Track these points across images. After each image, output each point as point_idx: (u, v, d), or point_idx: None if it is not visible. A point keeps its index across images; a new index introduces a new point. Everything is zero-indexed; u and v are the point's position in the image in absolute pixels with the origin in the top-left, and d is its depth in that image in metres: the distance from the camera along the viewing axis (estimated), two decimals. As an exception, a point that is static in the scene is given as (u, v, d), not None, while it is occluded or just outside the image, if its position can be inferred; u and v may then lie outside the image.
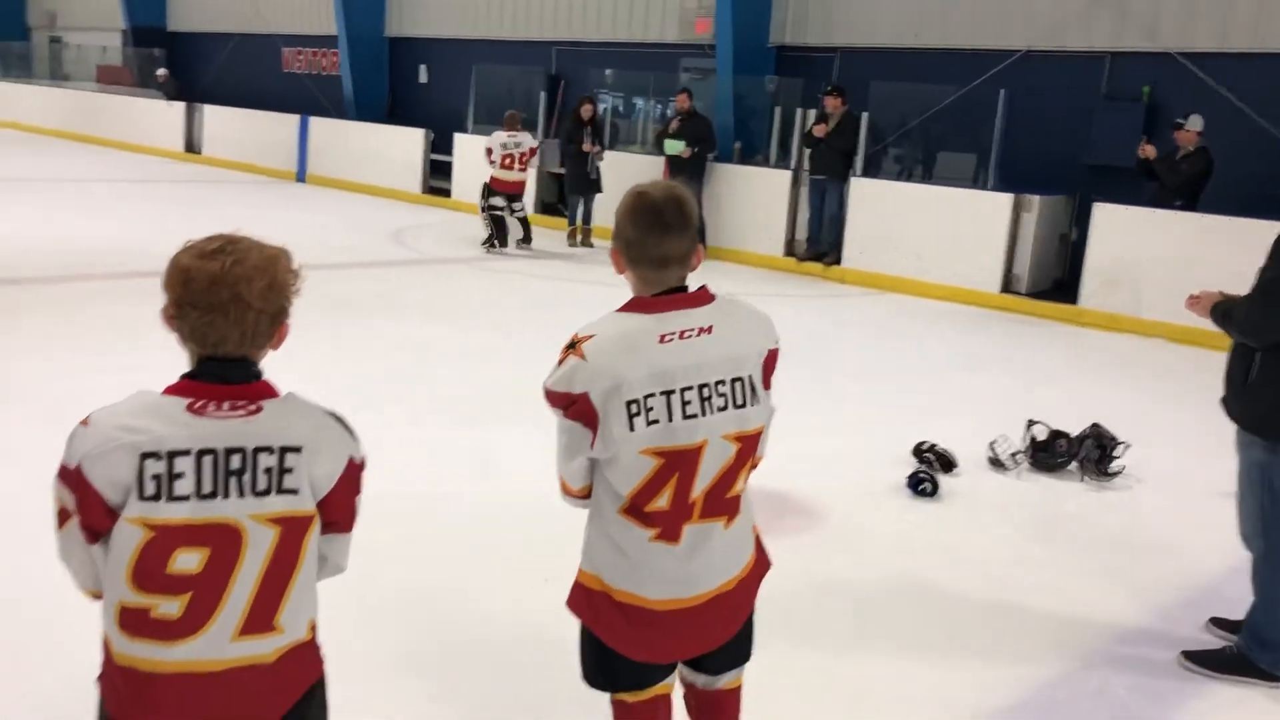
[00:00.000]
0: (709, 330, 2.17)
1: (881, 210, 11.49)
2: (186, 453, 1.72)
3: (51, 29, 28.92)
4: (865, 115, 11.72)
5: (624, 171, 13.37)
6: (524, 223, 12.49)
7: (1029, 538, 4.90)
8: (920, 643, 3.82)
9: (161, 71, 22.34)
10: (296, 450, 1.79)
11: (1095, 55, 11.26)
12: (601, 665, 2.33)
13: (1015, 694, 3.50)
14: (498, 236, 12.22)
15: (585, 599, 2.29)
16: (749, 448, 2.23)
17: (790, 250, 12.27)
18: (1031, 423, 5.86)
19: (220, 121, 20.12)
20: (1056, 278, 11.13)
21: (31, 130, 23.88)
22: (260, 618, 1.80)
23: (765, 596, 2.44)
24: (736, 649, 2.41)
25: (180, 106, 20.81)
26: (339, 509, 1.90)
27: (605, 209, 13.13)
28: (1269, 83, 10.17)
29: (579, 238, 13.12)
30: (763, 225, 12.35)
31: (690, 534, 2.19)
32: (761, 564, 2.39)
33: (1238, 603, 3.93)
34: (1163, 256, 9.51)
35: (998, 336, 9.49)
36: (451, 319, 8.53)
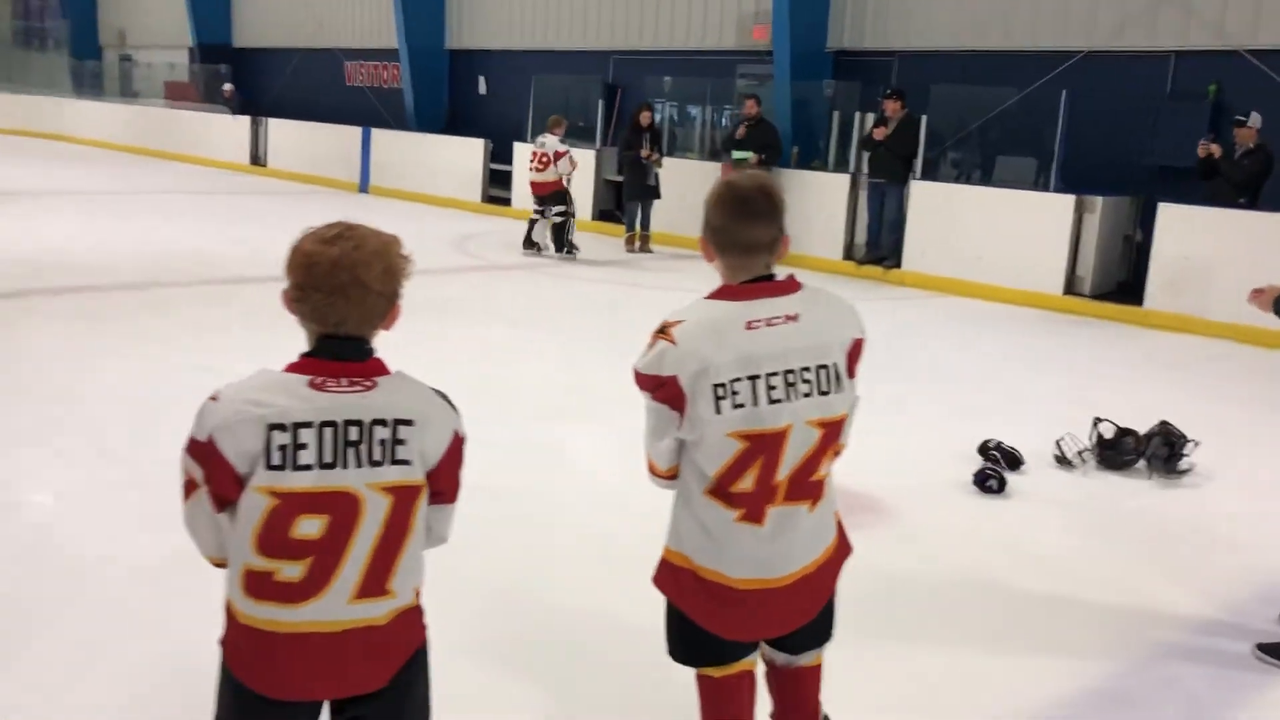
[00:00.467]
0: (795, 318, 2.24)
1: (942, 213, 11.47)
2: (310, 425, 1.83)
3: (122, 47, 29.73)
4: (924, 118, 11.71)
5: (681, 177, 13.49)
6: (557, 230, 12.34)
7: (1098, 534, 4.90)
8: (992, 635, 3.85)
9: (227, 87, 22.87)
10: (409, 423, 1.91)
11: (1160, 54, 11.15)
12: (687, 641, 2.40)
13: (1088, 684, 3.51)
14: (528, 239, 12.44)
15: (672, 577, 2.36)
16: (832, 434, 2.29)
17: (849, 254, 12.28)
18: (1098, 420, 5.84)
19: (284, 135, 20.58)
20: (1121, 279, 11.03)
21: (103, 145, 24.60)
22: (374, 582, 1.92)
23: (836, 588, 2.50)
24: (817, 629, 2.46)
25: (245, 120, 21.31)
26: (445, 479, 2.01)
27: (663, 215, 13.25)
28: (1339, 79, 10.02)
29: (637, 244, 13.24)
30: (822, 229, 12.38)
31: (774, 516, 2.25)
32: (843, 549, 2.45)
33: (1313, 596, 3.91)
34: (1231, 257, 9.39)
35: (1061, 338, 9.44)
36: (514, 322, 8.68)
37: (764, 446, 2.21)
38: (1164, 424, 5.75)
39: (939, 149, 12.31)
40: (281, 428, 1.82)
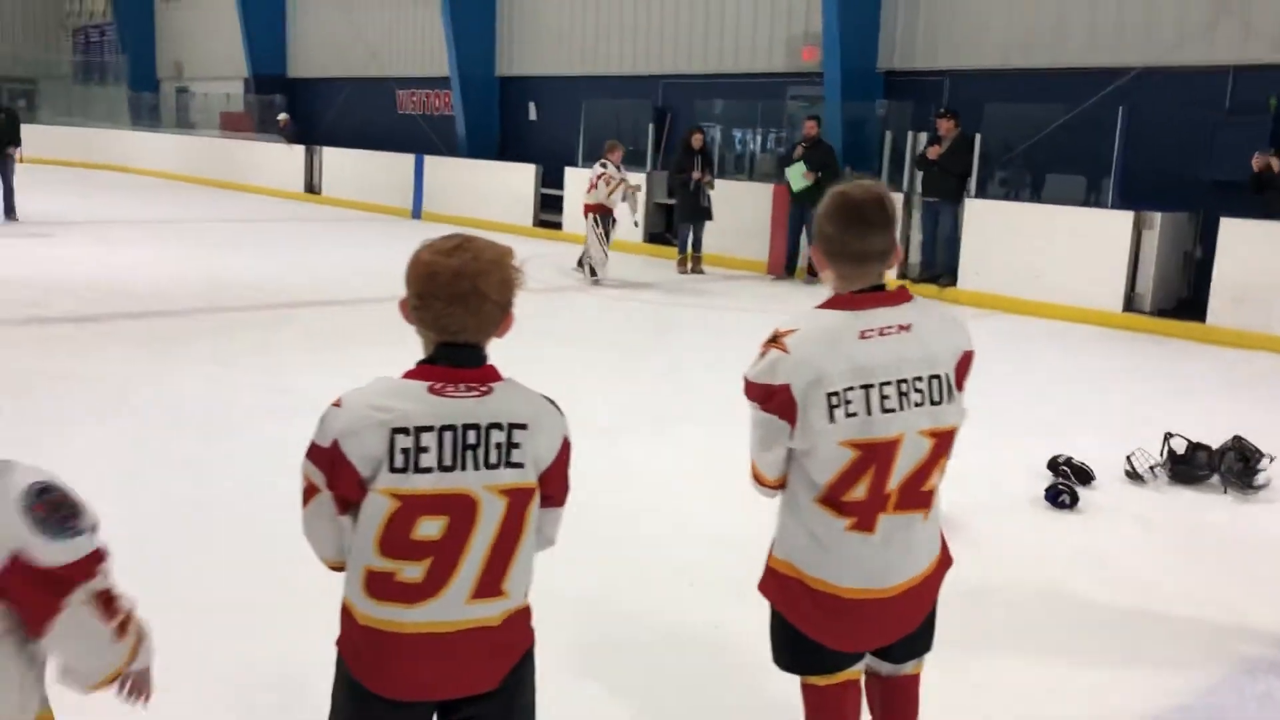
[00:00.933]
0: (908, 328, 2.25)
1: (997, 230, 11.41)
2: (430, 429, 1.89)
3: (179, 79, 30.41)
4: (978, 136, 11.68)
5: (732, 200, 13.54)
6: (583, 255, 12.24)
7: (1174, 548, 4.84)
8: (1073, 649, 3.81)
9: (282, 116, 23.30)
10: (523, 427, 1.95)
11: (1218, 69, 11.03)
12: (792, 649, 2.41)
13: (1178, 699, 3.47)
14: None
15: (779, 585, 2.37)
16: (943, 444, 2.29)
17: (903, 273, 12.25)
18: (1169, 435, 5.77)
19: (338, 163, 20.92)
20: (1181, 296, 10.88)
21: (161, 175, 25.13)
22: (490, 583, 1.96)
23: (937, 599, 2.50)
24: (920, 638, 2.47)
25: (300, 149, 21.69)
26: (555, 483, 2.05)
27: (715, 236, 13.30)
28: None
29: (689, 265, 13.28)
30: (875, 249, 12.31)
31: (885, 525, 2.26)
32: (946, 560, 2.45)
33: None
34: (1296, 271, 9.26)
35: (1122, 354, 9.34)
36: (569, 342, 8.74)
37: (876, 455, 2.22)
38: (1238, 438, 5.67)
39: (992, 167, 12.25)
40: (404, 431, 1.87)
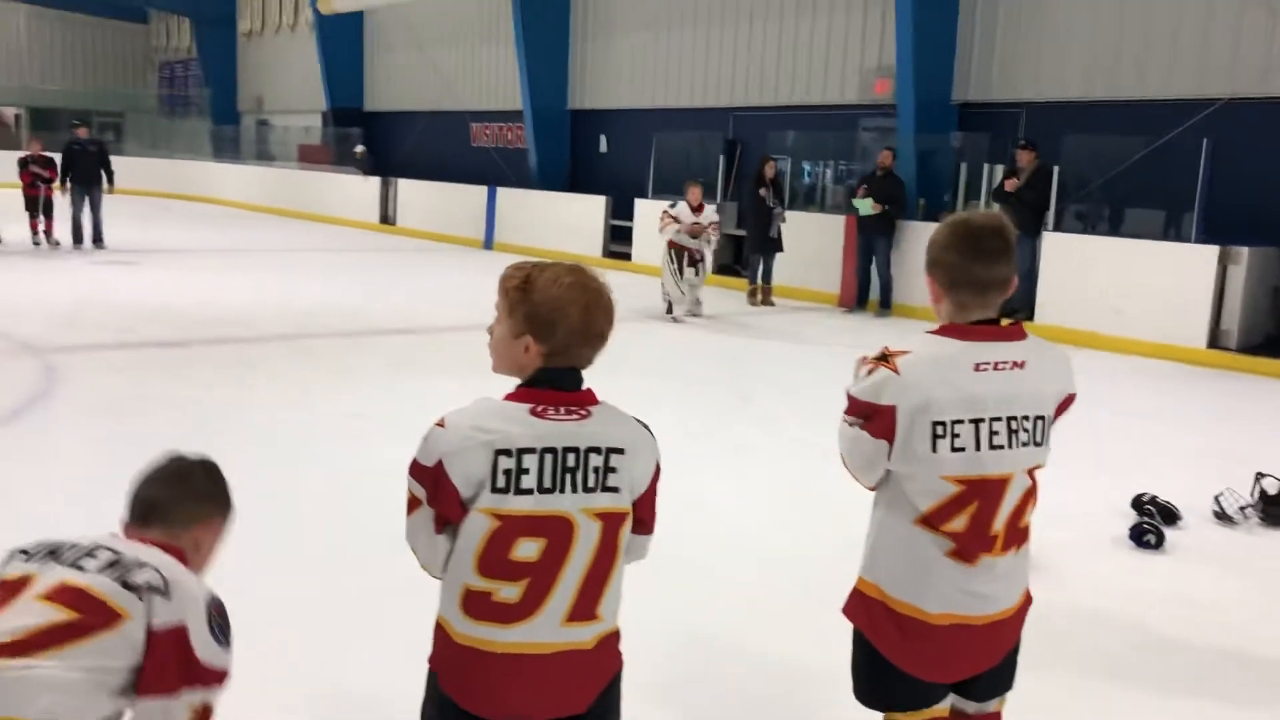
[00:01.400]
0: (1021, 365, 2.21)
1: (1076, 265, 11.22)
2: (532, 450, 1.91)
3: (259, 112, 31.27)
4: (1056, 169, 11.53)
5: (803, 231, 13.51)
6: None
7: (1267, 591, 4.69)
8: (1159, 692, 3.71)
9: (359, 148, 23.83)
10: (620, 452, 1.97)
11: (1308, 99, 10.80)
12: (876, 680, 2.35)
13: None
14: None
15: (863, 607, 2.33)
16: (1036, 482, 2.28)
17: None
18: (1260, 475, 5.61)
19: (413, 194, 21.30)
20: (1269, 332, 10.60)
21: (241, 206, 25.83)
22: (584, 606, 1.97)
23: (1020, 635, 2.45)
24: (1004, 675, 2.41)
25: (375, 181, 22.14)
26: (647, 508, 2.07)
27: (785, 268, 13.27)
28: None
29: (760, 296, 13.26)
30: (949, 282, 12.19)
31: (986, 560, 2.23)
32: (1029, 597, 2.41)
33: None
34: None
35: (1207, 392, 9.10)
36: (641, 372, 8.75)
37: (982, 492, 2.19)
38: (1333, 479, 5.50)
39: (1070, 200, 12.08)
40: (507, 453, 1.90)
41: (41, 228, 15.65)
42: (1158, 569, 4.88)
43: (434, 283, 14.10)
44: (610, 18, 19.19)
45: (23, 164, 15.63)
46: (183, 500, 2.14)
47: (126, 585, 1.83)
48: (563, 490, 1.92)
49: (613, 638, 2.06)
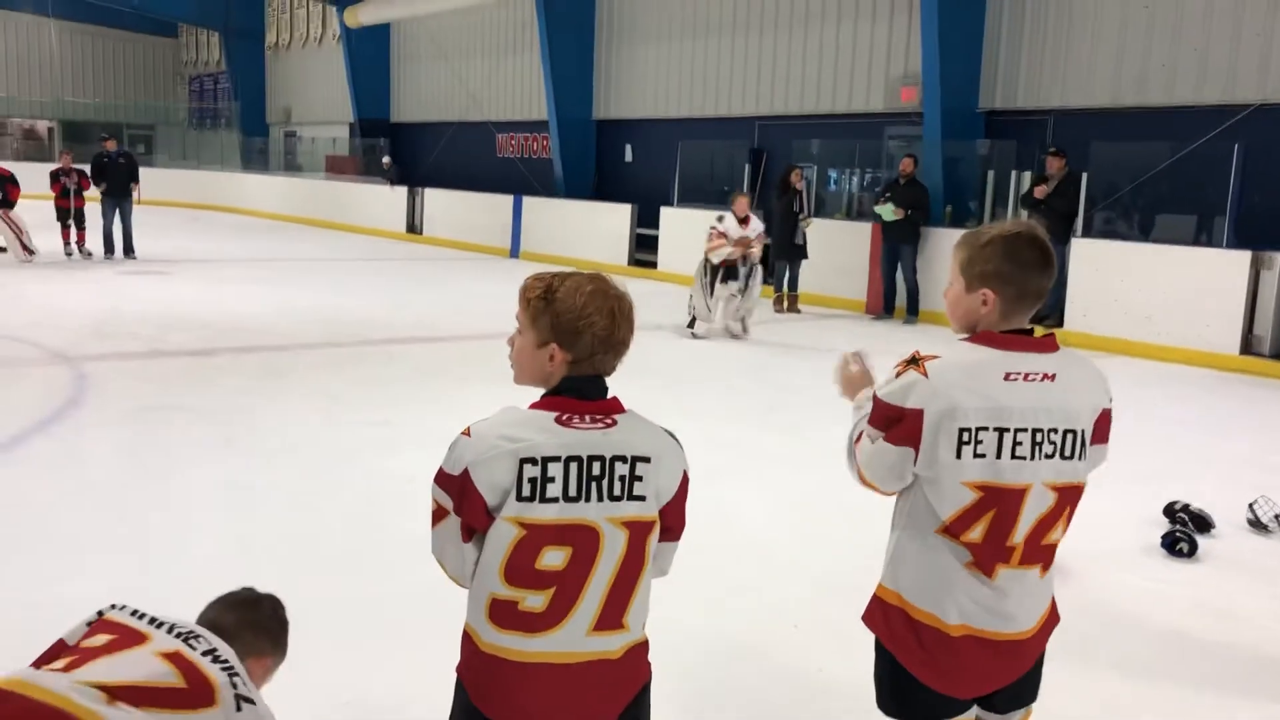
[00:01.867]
0: (1052, 377, 2.19)
1: (1106, 271, 11.13)
2: (557, 459, 1.90)
3: (287, 124, 31.56)
4: (1085, 175, 11.44)
5: (830, 239, 13.48)
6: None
7: (1304, 601, 4.62)
8: (1192, 701, 3.66)
9: (386, 159, 24.00)
10: (646, 460, 1.96)
11: (1340, 104, 10.67)
12: (897, 692, 2.33)
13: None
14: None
15: (882, 615, 2.31)
16: (1067, 499, 2.23)
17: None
18: (1295, 483, 5.54)
19: (439, 204, 21.41)
20: (1303, 339, 10.46)
21: (269, 216, 26.04)
22: (611, 615, 1.96)
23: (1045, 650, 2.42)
24: (1025, 688, 2.37)
25: (402, 191, 22.27)
26: (674, 516, 2.05)
27: (810, 276, 13.23)
28: None
29: (786, 304, 13.23)
30: (976, 289, 12.11)
31: (1004, 574, 2.20)
32: (1054, 617, 2.38)
33: None
34: None
35: (1240, 399, 8.99)
36: (666, 380, 8.75)
37: (999, 501, 2.16)
38: (1370, 488, 5.42)
39: (1099, 207, 11.99)
40: (532, 461, 1.89)
41: (73, 238, 15.89)
42: (1190, 577, 4.82)
43: (461, 291, 14.16)
44: (634, 28, 19.24)
45: (54, 176, 15.88)
46: (245, 628, 2.18)
47: (231, 680, 1.89)
48: (588, 499, 1.91)
49: (641, 648, 2.05)
